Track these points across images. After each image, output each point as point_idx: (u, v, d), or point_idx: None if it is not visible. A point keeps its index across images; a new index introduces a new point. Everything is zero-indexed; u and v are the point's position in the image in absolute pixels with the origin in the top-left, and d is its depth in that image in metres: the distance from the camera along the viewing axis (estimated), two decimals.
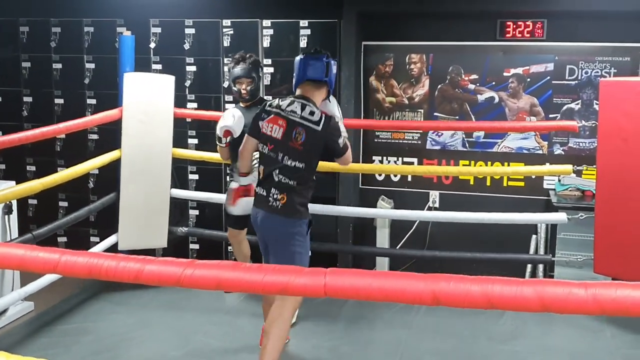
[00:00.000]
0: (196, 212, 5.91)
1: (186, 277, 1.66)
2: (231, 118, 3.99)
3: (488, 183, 5.61)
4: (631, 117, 4.18)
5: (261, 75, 4.50)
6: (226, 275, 1.67)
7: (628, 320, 4.44)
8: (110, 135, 5.41)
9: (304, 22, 5.55)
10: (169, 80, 5.09)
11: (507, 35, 5.38)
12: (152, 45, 5.79)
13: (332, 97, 3.76)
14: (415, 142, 5.74)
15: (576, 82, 5.35)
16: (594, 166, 4.54)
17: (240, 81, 4.20)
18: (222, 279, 1.67)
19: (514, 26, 5.36)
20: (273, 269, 1.70)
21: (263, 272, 1.66)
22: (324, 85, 3.61)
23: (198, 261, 1.71)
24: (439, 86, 5.61)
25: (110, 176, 5.35)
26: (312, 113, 3.48)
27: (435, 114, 5.63)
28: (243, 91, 4.20)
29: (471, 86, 5.54)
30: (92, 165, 4.81)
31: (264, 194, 3.52)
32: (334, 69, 3.63)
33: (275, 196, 3.47)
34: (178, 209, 5.69)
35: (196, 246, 5.97)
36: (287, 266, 1.72)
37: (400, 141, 5.76)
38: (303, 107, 3.50)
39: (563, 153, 5.44)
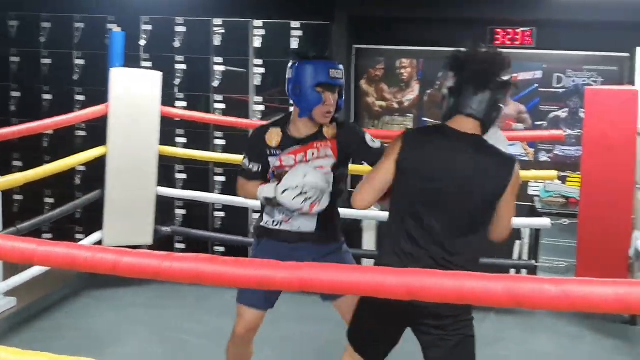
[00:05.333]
0: (183, 211, 5.91)
1: (164, 269, 1.67)
2: None
3: None
4: (616, 125, 4.23)
5: None
6: (205, 269, 1.68)
7: (607, 327, 4.48)
8: (98, 132, 5.39)
9: (295, 24, 5.56)
10: (157, 76, 5.06)
11: (497, 42, 5.44)
12: (142, 42, 5.79)
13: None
14: None
15: (563, 90, 5.40)
16: (578, 173, 4.59)
17: None
18: (201, 272, 1.68)
19: (504, 33, 5.42)
20: (251, 263, 1.72)
21: (241, 266, 1.67)
22: None
23: (176, 254, 1.72)
24: (428, 91, 5.64)
25: (96, 174, 5.31)
26: None
27: (424, 119, 5.66)
28: None
29: None
30: (76, 160, 4.80)
31: None
32: None
33: None
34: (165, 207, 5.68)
35: (182, 245, 5.96)
36: (265, 260, 1.74)
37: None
38: None
39: (549, 160, 5.49)
